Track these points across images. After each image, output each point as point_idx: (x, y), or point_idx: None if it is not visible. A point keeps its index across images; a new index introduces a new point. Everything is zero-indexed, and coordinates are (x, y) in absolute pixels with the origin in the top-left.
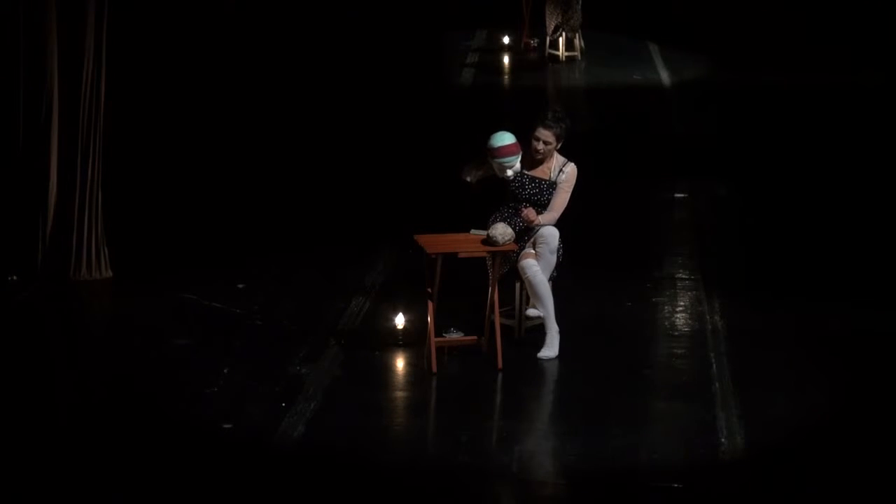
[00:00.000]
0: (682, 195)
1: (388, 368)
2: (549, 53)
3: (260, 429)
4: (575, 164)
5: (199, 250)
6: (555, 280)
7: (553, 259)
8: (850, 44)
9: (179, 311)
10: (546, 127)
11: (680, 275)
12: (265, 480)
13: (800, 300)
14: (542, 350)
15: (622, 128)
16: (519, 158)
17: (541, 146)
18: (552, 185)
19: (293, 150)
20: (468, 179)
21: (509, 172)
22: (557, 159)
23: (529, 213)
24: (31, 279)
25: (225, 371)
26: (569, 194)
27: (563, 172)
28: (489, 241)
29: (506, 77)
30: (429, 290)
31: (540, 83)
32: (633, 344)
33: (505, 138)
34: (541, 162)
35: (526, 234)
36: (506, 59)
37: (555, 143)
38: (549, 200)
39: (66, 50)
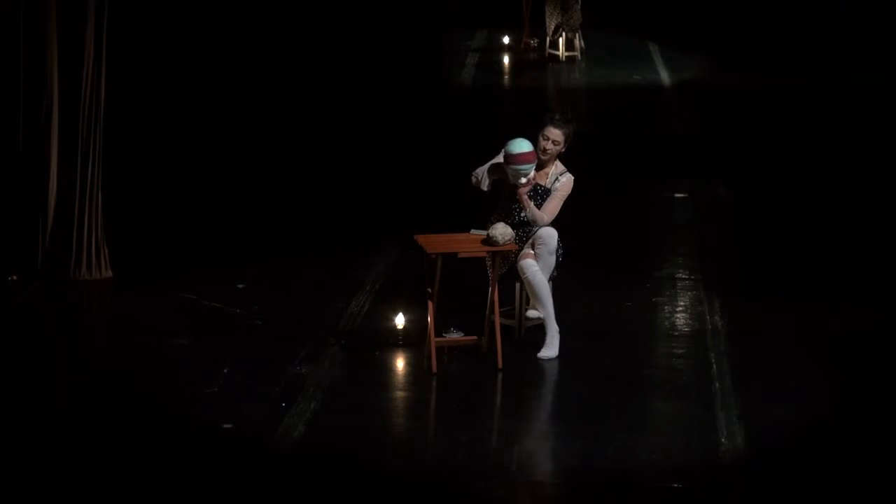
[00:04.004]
0: (682, 195)
1: (388, 368)
2: (549, 53)
3: (260, 429)
4: (574, 176)
5: (199, 250)
6: (554, 280)
7: (552, 260)
8: (849, 44)
9: (179, 311)
10: (556, 126)
11: (680, 275)
12: (265, 480)
13: (800, 300)
14: (542, 350)
15: (622, 128)
16: (534, 166)
17: (549, 145)
18: (547, 193)
19: (293, 151)
20: (483, 188)
21: (523, 180)
22: (557, 167)
23: (524, 189)
24: (31, 279)
25: (225, 371)
26: (561, 202)
27: (558, 181)
28: (489, 241)
29: (506, 77)
30: (429, 290)
31: (540, 83)
32: (633, 344)
33: (522, 146)
34: (542, 166)
35: (525, 234)
36: (506, 59)
37: (563, 144)
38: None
39: (66, 50)
